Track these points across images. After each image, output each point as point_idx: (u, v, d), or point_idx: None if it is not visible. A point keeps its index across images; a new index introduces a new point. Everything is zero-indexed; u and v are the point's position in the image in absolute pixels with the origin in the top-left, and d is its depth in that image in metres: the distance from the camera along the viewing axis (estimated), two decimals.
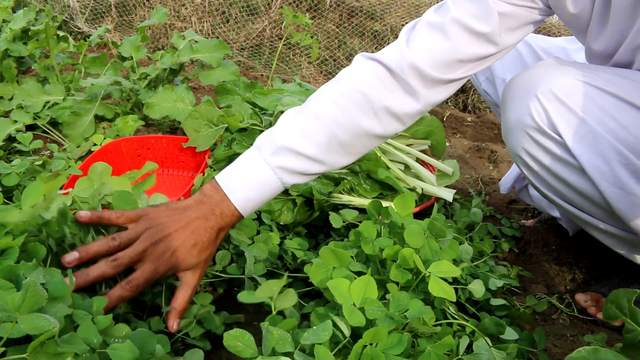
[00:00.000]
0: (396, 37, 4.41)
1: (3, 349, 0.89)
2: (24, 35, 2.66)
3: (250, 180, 1.28)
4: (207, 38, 4.35)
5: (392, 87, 1.33)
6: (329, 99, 1.33)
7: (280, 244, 1.60)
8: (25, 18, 2.57)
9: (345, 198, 1.77)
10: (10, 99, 2.50)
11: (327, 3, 4.59)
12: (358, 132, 1.33)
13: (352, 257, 1.27)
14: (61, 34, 2.67)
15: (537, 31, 2.19)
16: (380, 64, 1.33)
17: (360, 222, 1.64)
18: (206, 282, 1.47)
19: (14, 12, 3.02)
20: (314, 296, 1.60)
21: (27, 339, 0.94)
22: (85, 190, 1.27)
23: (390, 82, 1.33)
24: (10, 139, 2.30)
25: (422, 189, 1.87)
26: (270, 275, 1.53)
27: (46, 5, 2.56)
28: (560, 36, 2.83)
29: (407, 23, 4.39)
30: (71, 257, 1.10)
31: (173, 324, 1.18)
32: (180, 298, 1.21)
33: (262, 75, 3.96)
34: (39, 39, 2.53)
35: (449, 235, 1.32)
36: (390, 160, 1.90)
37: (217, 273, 1.44)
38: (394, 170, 1.86)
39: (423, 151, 2.08)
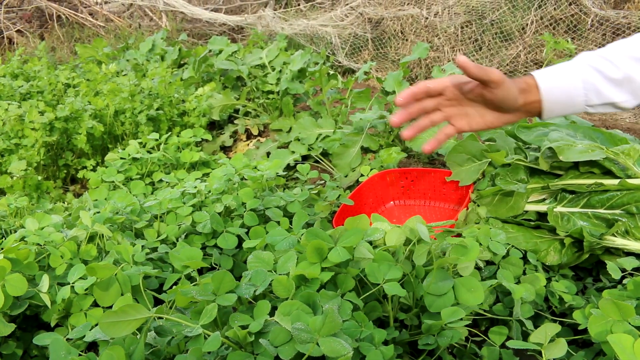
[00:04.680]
0: None
1: None
2: (300, 74, 3.00)
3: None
4: None
5: None
6: None
7: (545, 286, 1.55)
8: (302, 60, 2.90)
9: (620, 242, 1.66)
10: (288, 131, 2.84)
11: (589, 23, 4.32)
12: None
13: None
14: (331, 72, 2.95)
15: None
16: None
17: (637, 268, 1.53)
18: (469, 318, 1.49)
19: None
20: (581, 345, 1.52)
21: (322, 358, 1.07)
22: None
23: None
24: (288, 167, 2.60)
25: None
26: (536, 317, 1.50)
27: (322, 49, 2.84)
28: None
29: None
30: None
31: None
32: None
33: None
34: (313, 77, 2.83)
35: None
36: None
37: (482, 311, 1.46)
38: None
39: None
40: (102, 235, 1.67)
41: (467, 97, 1.40)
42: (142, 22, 5.56)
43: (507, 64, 4.31)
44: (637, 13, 4.27)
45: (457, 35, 4.57)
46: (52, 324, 1.41)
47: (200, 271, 1.73)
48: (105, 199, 2.12)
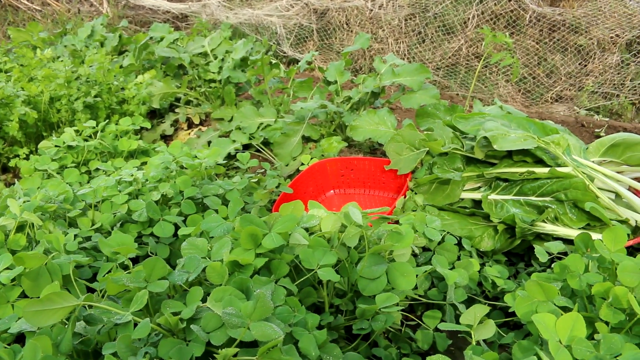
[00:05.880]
0: (603, 51, 4.12)
1: (236, 350, 1.02)
2: (242, 63, 2.96)
3: None
4: (403, 59, 4.45)
5: None
6: None
7: (479, 271, 1.60)
8: (244, 49, 2.87)
9: (549, 227, 1.72)
10: (230, 120, 2.81)
11: (527, 18, 4.44)
12: None
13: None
14: (273, 61, 2.93)
15: None
16: None
17: (565, 253, 1.58)
18: (405, 303, 1.52)
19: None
20: (512, 327, 1.57)
21: (254, 343, 1.06)
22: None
23: None
24: (229, 156, 2.58)
25: (636, 221, 1.75)
26: (470, 301, 1.54)
27: (263, 37, 2.82)
28: None
29: (616, 36, 4.07)
30: None
31: None
32: None
33: (457, 94, 3.95)
34: (255, 66, 2.80)
35: None
36: (599, 188, 1.80)
37: (417, 296, 1.49)
38: (603, 199, 1.75)
39: (637, 179, 1.93)
40: (33, 224, 1.61)
41: None
42: (81, 7, 5.38)
43: (450, 57, 4.39)
44: (571, 11, 4.42)
45: (401, 27, 4.62)
46: None
47: (136, 260, 1.69)
48: (38, 187, 2.05)
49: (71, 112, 2.71)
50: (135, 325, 1.04)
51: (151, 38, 3.40)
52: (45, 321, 1.01)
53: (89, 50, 3.43)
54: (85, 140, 2.44)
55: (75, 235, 1.63)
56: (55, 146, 2.34)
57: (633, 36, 4.08)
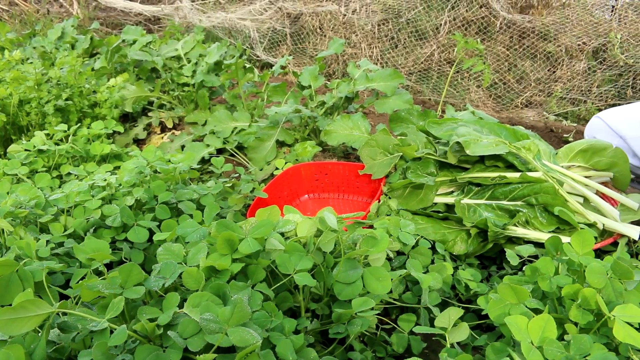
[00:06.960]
0: (571, 58, 4.21)
1: (214, 355, 1.02)
2: (216, 67, 2.96)
3: None
4: (377, 64, 4.48)
5: None
6: None
7: (452, 274, 1.62)
8: (218, 52, 2.86)
9: (520, 231, 1.75)
10: (204, 125, 2.80)
11: (497, 25, 4.51)
12: None
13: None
14: (247, 65, 2.93)
15: None
16: None
17: (535, 256, 1.62)
18: (380, 307, 1.54)
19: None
20: (485, 329, 1.60)
21: (231, 349, 1.06)
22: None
23: None
24: (203, 160, 2.57)
25: (604, 224, 1.79)
26: (444, 304, 1.56)
27: (237, 41, 2.82)
28: None
29: (583, 43, 4.15)
30: None
31: None
32: None
33: (429, 99, 4.00)
34: (229, 70, 2.80)
35: (636, 277, 1.26)
36: (568, 192, 1.84)
37: (392, 300, 1.50)
38: (572, 203, 1.80)
39: (604, 183, 1.99)
40: (3, 230, 1.58)
41: None
42: (50, 8, 5.30)
43: (422, 62, 4.43)
44: (540, 18, 4.50)
45: (374, 32, 4.66)
46: None
47: (110, 266, 1.68)
48: (8, 192, 2.01)
49: (41, 115, 2.67)
50: (112, 332, 1.04)
51: (123, 41, 3.37)
52: (18, 329, 1.00)
53: (60, 52, 3.38)
54: (57, 144, 2.40)
55: (48, 241, 1.61)
56: (25, 150, 2.30)
57: (599, 44, 4.18)
